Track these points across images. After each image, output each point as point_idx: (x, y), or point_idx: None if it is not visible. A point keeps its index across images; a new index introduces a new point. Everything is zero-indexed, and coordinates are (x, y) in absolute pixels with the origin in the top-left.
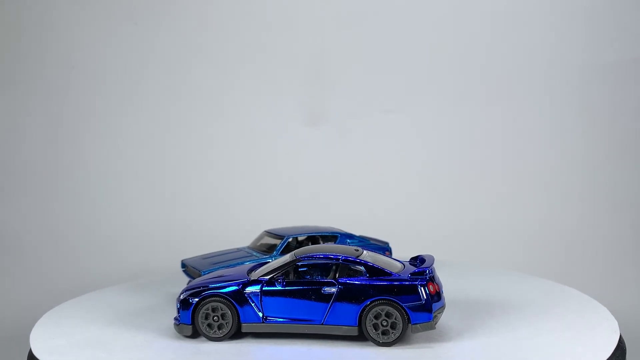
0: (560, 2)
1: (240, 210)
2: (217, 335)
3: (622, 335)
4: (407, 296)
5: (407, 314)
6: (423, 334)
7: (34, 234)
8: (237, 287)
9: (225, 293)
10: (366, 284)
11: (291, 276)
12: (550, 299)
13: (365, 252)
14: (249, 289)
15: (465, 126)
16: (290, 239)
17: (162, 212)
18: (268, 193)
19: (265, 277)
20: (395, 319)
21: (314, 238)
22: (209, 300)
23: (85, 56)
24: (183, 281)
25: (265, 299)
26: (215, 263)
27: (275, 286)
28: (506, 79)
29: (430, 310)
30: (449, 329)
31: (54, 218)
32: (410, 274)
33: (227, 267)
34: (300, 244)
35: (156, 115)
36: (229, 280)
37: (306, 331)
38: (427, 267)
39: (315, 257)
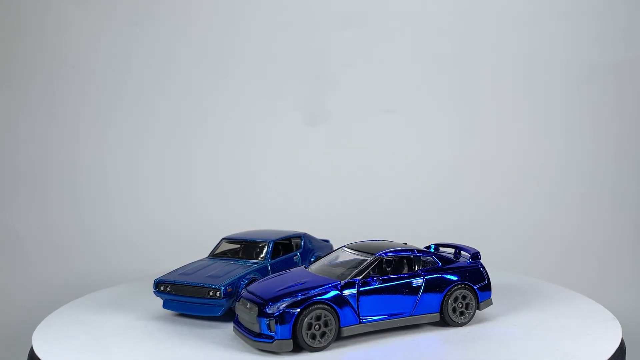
0: (560, 2)
1: (236, 212)
2: (322, 345)
3: (623, 336)
4: (476, 278)
5: (476, 294)
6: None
7: (37, 235)
8: (336, 291)
9: (328, 299)
10: (446, 272)
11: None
12: (550, 300)
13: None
14: (346, 292)
15: (465, 126)
16: (273, 242)
17: (161, 213)
18: (266, 194)
19: (357, 278)
20: (469, 300)
21: (284, 240)
22: (312, 309)
23: (85, 56)
24: None
25: (362, 299)
26: (220, 276)
27: (370, 285)
28: (506, 79)
29: (490, 289)
30: (444, 328)
31: (55, 219)
32: (470, 259)
33: (241, 277)
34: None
35: (155, 115)
36: (321, 285)
37: (398, 325)
38: (478, 252)
39: (395, 253)
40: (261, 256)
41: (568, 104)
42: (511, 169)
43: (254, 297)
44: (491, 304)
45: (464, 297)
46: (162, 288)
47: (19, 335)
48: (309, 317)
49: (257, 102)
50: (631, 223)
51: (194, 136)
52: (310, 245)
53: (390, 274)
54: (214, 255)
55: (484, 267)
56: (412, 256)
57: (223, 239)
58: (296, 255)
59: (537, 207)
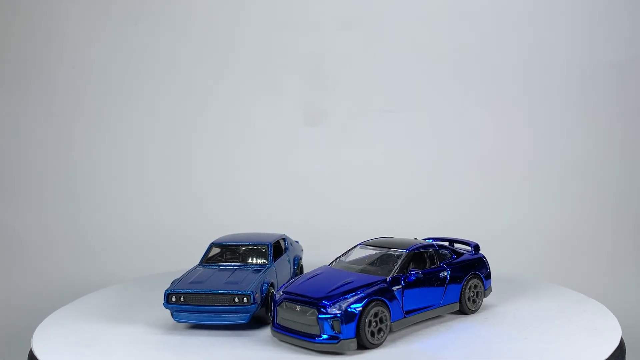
0: (560, 2)
1: (234, 213)
2: (379, 342)
3: (623, 336)
4: (482, 268)
5: (483, 283)
6: (421, 343)
7: (37, 235)
8: (386, 287)
9: (383, 295)
10: (463, 264)
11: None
12: (550, 299)
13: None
14: (395, 287)
15: (464, 126)
16: (272, 245)
17: (161, 213)
18: (265, 194)
19: (401, 273)
20: (479, 288)
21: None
22: (371, 306)
23: (85, 56)
24: None
25: (405, 293)
26: (239, 282)
27: (411, 279)
28: (507, 79)
29: (491, 277)
30: (447, 329)
31: (55, 219)
32: (472, 251)
33: (262, 281)
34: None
35: (156, 115)
36: (371, 283)
37: (430, 316)
38: (477, 244)
39: (422, 248)
40: (264, 260)
41: (569, 103)
42: (511, 169)
43: (304, 298)
44: (492, 290)
45: (475, 286)
46: (174, 299)
47: (19, 335)
48: (370, 314)
49: (257, 102)
50: (632, 223)
51: (194, 136)
52: (291, 247)
53: (417, 269)
54: (208, 261)
55: (485, 257)
56: (432, 250)
57: (212, 244)
58: (287, 256)
59: (538, 206)
